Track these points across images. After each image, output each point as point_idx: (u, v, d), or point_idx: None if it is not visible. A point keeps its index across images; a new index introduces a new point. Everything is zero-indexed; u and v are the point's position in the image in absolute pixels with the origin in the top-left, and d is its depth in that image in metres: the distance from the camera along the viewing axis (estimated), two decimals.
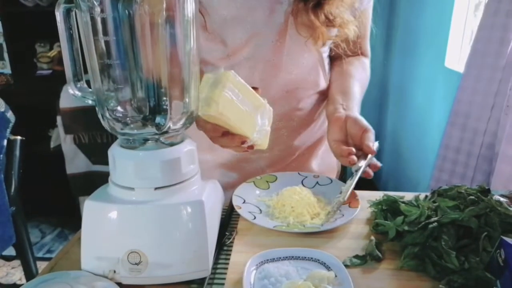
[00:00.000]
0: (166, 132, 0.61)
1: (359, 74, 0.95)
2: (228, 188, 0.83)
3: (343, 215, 0.73)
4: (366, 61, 1.01)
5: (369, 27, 0.95)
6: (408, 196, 0.77)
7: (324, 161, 1.03)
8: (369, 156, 0.78)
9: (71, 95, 0.61)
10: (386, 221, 0.71)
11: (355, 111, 0.85)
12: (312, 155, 1.02)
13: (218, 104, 0.64)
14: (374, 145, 0.78)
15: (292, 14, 0.81)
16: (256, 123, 0.72)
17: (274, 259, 0.62)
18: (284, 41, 0.84)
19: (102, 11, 0.55)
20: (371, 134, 0.79)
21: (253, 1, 0.79)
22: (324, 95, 0.96)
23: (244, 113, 0.69)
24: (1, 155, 1.38)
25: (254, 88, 0.72)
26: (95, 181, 2.21)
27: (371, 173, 0.78)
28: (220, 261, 0.65)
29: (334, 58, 0.98)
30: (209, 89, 0.65)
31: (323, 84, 0.94)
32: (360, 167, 0.76)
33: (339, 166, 1.10)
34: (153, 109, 0.61)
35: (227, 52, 0.84)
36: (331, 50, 0.95)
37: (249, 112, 0.70)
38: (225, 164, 0.97)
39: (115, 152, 0.60)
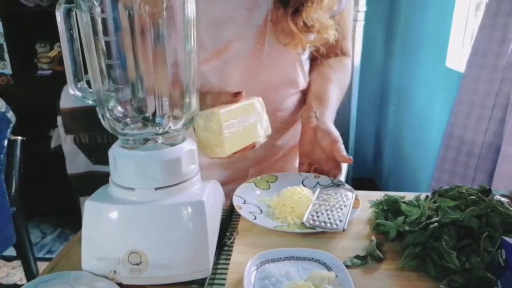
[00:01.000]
0: (167, 132, 0.61)
1: (338, 76, 0.96)
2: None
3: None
4: (347, 61, 1.02)
5: (350, 27, 0.97)
6: (409, 196, 0.77)
7: None
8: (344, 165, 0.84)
9: (72, 95, 0.61)
10: (387, 221, 0.71)
11: (328, 119, 0.87)
12: (296, 155, 1.02)
13: (224, 148, 0.68)
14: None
15: (271, 21, 0.81)
16: (258, 127, 0.74)
17: (274, 259, 0.62)
18: (263, 43, 0.84)
19: (102, 11, 0.55)
20: (341, 144, 0.82)
21: (231, 4, 0.80)
22: (305, 95, 0.97)
23: (247, 129, 0.72)
24: (2, 155, 1.38)
25: (236, 93, 0.74)
26: (95, 181, 2.20)
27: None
28: (221, 261, 0.65)
29: (314, 59, 0.99)
30: (206, 135, 0.68)
31: (302, 84, 0.95)
32: (342, 182, 0.81)
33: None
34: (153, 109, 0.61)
35: (207, 56, 0.85)
36: (311, 52, 0.96)
37: (249, 125, 0.73)
38: (210, 165, 0.97)
39: (115, 152, 0.60)
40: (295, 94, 0.95)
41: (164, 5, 0.56)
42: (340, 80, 0.97)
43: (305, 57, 0.95)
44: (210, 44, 0.84)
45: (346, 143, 1.07)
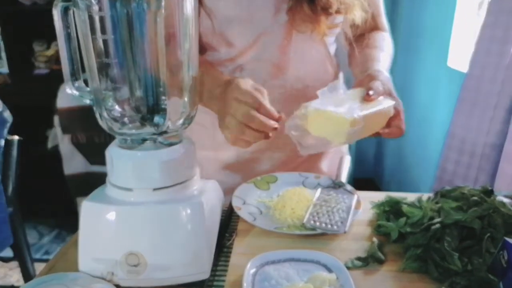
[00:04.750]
0: (165, 132, 0.60)
1: (375, 40, 0.92)
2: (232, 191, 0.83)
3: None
4: (385, 33, 0.98)
5: (381, 2, 0.94)
6: (411, 197, 0.77)
7: (333, 162, 1.02)
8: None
9: (69, 95, 0.61)
10: (388, 223, 0.70)
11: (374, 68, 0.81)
12: (322, 156, 1.00)
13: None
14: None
15: (290, 11, 0.80)
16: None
17: (274, 261, 0.62)
18: (290, 39, 0.83)
19: (100, 9, 0.55)
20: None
21: (259, 1, 0.79)
22: None
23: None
24: None
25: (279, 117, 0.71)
26: (93, 181, 2.19)
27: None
28: (220, 263, 0.64)
29: (350, 44, 0.96)
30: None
31: (330, 80, 0.93)
32: (343, 183, 0.81)
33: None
34: (151, 109, 0.60)
35: (235, 53, 0.84)
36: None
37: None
38: (232, 164, 0.95)
39: (112, 152, 0.60)
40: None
41: (163, 4, 0.56)
42: (378, 43, 0.91)
43: (332, 48, 0.92)
44: (238, 41, 0.83)
45: None
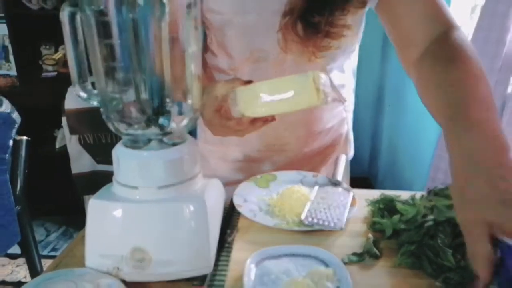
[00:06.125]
0: (170, 132, 0.62)
1: (464, 54, 0.67)
2: (234, 184, 0.84)
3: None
4: (459, 33, 0.72)
5: None
6: (405, 195, 0.78)
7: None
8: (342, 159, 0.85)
9: (76, 96, 0.62)
10: (383, 220, 0.72)
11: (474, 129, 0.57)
12: (323, 162, 1.01)
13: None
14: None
15: (279, 32, 0.78)
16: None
17: (274, 256, 0.63)
18: (285, 55, 0.83)
19: (106, 15, 0.56)
20: None
21: (257, 16, 0.79)
22: (332, 102, 0.95)
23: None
24: (7, 155, 1.40)
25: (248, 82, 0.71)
26: (99, 180, 2.22)
27: None
28: (222, 258, 0.66)
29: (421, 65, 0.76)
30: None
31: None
32: (340, 182, 0.82)
33: (348, 175, 1.08)
34: (156, 111, 0.62)
35: (233, 65, 0.86)
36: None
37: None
38: (234, 163, 0.97)
39: (119, 152, 0.61)
40: None
41: (167, 9, 0.57)
42: (467, 64, 0.66)
43: (329, 66, 0.88)
44: (237, 53, 0.84)
45: None
